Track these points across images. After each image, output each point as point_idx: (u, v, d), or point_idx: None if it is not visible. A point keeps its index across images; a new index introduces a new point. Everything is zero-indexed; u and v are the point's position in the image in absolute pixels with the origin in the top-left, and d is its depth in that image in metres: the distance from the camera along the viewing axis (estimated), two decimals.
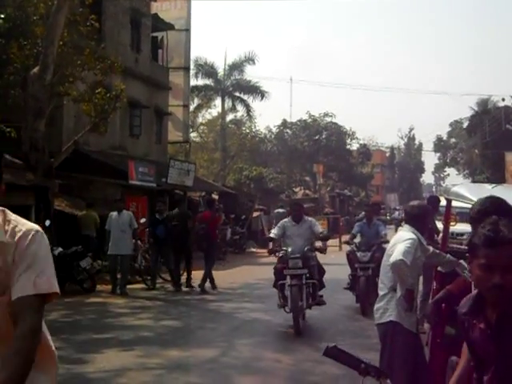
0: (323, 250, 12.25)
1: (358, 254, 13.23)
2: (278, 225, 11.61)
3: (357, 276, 13.10)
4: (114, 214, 16.03)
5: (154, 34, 30.75)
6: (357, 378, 6.89)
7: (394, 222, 50.55)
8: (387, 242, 12.63)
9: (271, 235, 11.64)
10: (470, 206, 5.31)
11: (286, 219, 11.84)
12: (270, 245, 12.75)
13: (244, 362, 8.97)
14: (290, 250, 10.95)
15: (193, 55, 39.08)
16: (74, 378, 7.80)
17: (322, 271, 11.66)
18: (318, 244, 12.26)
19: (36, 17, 18.87)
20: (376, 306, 6.08)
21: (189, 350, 9.55)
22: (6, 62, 19.38)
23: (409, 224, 6.10)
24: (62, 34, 18.00)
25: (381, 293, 6.04)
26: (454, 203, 6.91)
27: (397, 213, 56.26)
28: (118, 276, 16.00)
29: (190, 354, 9.33)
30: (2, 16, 20.84)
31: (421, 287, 8.74)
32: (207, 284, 16.39)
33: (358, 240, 13.95)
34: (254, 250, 31.47)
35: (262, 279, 18.98)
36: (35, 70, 17.67)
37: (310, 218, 11.89)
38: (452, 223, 11.99)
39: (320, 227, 12.22)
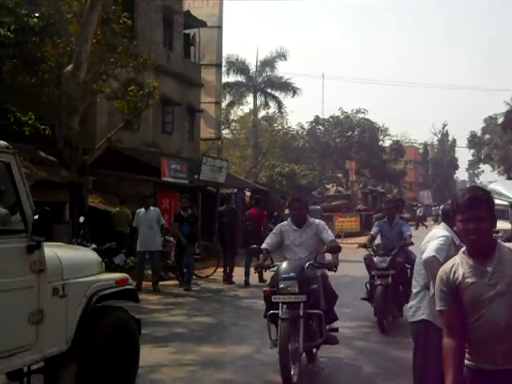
0: (332, 267, 8.30)
1: (375, 259, 11.19)
2: (274, 230, 8.64)
3: (374, 285, 11.11)
4: (142, 210, 15.90)
5: (187, 31, 30.81)
6: (391, 377, 6.74)
7: (418, 219, 49.98)
8: (411, 244, 11.75)
9: (263, 245, 8.42)
10: (505, 203, 5.27)
11: (284, 222, 8.79)
12: (261, 258, 8.59)
13: (278, 359, 8.90)
14: (283, 266, 7.87)
15: (225, 52, 39.14)
16: None
17: (332, 297, 8.46)
18: (328, 257, 8.65)
19: (70, 15, 19.01)
20: (409, 303, 6.03)
21: (223, 347, 9.54)
22: (40, 60, 19.58)
23: (444, 222, 6.04)
24: (95, 31, 18.13)
25: (414, 290, 6.00)
26: None
27: (419, 210, 54.49)
28: (149, 272, 16.05)
29: (223, 350, 9.31)
30: (37, 14, 21.08)
31: None
32: (237, 278, 16.76)
33: (378, 242, 11.94)
34: None
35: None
36: (69, 67, 17.82)
37: (317, 221, 8.64)
38: None
39: (330, 232, 8.52)
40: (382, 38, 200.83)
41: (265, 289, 8.00)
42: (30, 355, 5.51)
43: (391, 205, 12.21)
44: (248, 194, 32.46)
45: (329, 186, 54.44)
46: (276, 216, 32.56)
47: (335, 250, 8.15)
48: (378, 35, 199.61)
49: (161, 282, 16.83)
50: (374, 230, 11.89)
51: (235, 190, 30.07)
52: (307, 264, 7.80)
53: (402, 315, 10.99)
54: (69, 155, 17.79)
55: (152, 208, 16.09)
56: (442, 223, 6.07)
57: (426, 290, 5.79)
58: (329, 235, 8.30)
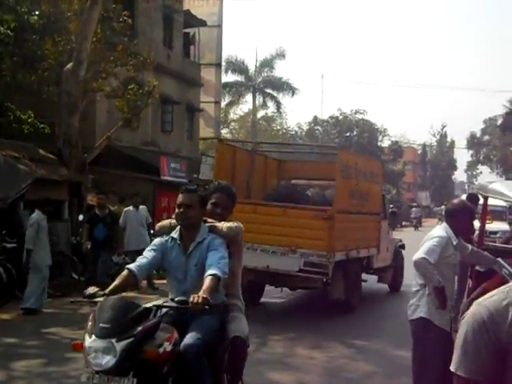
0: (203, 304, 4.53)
1: None
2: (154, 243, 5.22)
3: None
4: (131, 209, 15.43)
5: (186, 31, 30.82)
6: (390, 376, 6.80)
7: (414, 220, 49.94)
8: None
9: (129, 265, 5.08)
10: (504, 204, 5.30)
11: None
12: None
13: (277, 358, 8.93)
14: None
15: (224, 52, 39.15)
16: None
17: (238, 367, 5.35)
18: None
19: (70, 13, 19.03)
20: (409, 302, 6.05)
21: None
22: (40, 58, 19.59)
23: (446, 222, 6.07)
24: (95, 30, 18.13)
25: (413, 289, 6.04)
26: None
27: (414, 211, 53.89)
28: None
29: None
30: (37, 12, 21.08)
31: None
32: None
33: None
34: None
35: None
36: (69, 66, 17.82)
37: (210, 234, 5.03)
38: (488, 221, 11.04)
39: (224, 250, 4.92)
40: (381, 39, 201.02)
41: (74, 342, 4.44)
42: None
43: None
44: None
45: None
46: None
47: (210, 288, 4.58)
48: (378, 36, 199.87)
49: (159, 281, 16.84)
50: None
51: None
52: (151, 304, 4.71)
53: None
54: (68, 153, 17.79)
55: (141, 206, 15.75)
56: (444, 223, 6.10)
57: (425, 289, 5.83)
58: (219, 254, 4.87)
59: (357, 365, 8.80)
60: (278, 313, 12.75)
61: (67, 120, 17.69)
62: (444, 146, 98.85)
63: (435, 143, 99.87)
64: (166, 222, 5.40)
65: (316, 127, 59.87)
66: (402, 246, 15.96)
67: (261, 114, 53.39)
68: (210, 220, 5.21)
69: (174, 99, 27.92)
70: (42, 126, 20.30)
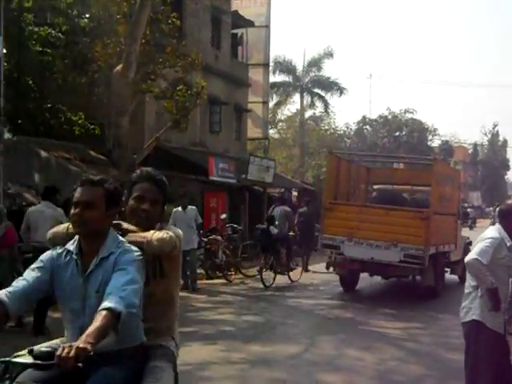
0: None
1: None
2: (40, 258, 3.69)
3: None
4: (179, 209, 15.65)
5: (234, 31, 30.89)
6: (441, 379, 6.67)
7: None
8: None
9: None
10: None
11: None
12: None
13: (327, 360, 8.86)
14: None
15: (272, 52, 39.12)
16: None
17: None
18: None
19: (119, 16, 19.22)
20: (462, 304, 5.93)
21: (271, 346, 9.50)
22: (90, 60, 19.90)
23: (499, 223, 5.93)
24: (144, 32, 18.27)
25: (466, 291, 5.93)
26: None
27: (470, 210, 52.90)
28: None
29: (272, 349, 9.28)
30: (87, 16, 21.41)
31: None
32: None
33: None
34: None
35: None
36: (118, 67, 17.99)
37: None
38: None
39: (135, 271, 3.38)
40: (432, 38, 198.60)
41: None
42: None
43: None
44: (295, 193, 32.37)
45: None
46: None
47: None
48: (426, 34, 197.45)
49: (208, 281, 16.92)
50: None
51: (282, 190, 30.01)
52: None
53: None
54: (118, 154, 17.96)
55: (189, 207, 15.87)
56: (497, 224, 5.96)
57: (477, 291, 5.71)
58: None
59: (408, 367, 8.66)
60: (328, 315, 12.67)
61: (117, 121, 17.86)
62: (496, 146, 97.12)
63: (486, 142, 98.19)
64: (61, 228, 3.77)
65: (365, 127, 59.43)
66: (470, 243, 16.92)
67: (308, 113, 53.26)
68: (126, 226, 3.68)
69: (222, 100, 28.01)
70: (92, 127, 20.64)
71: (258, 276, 17.77)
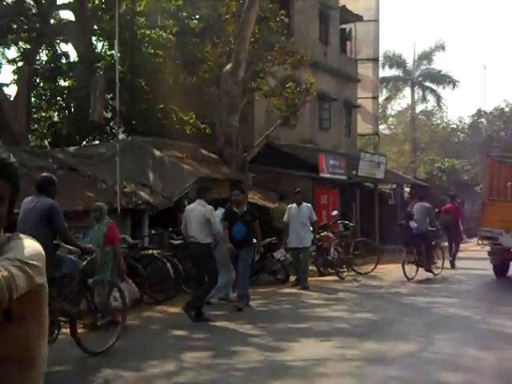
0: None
1: None
2: None
3: None
4: (294, 206, 15.49)
5: (343, 26, 30.64)
6: None
7: None
8: None
9: None
10: None
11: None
12: None
13: (444, 358, 8.55)
14: None
15: (381, 46, 38.55)
16: (274, 365, 7.87)
17: None
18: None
19: (228, 15, 19.46)
20: None
21: (386, 343, 9.28)
22: (200, 60, 20.24)
23: None
24: (252, 30, 18.40)
25: None
26: None
27: None
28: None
29: (387, 347, 9.05)
30: (197, 17, 21.78)
31: None
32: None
33: None
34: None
35: (458, 274, 18.30)
36: (228, 67, 18.21)
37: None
38: None
39: None
40: None
41: None
42: None
43: None
44: (407, 189, 31.73)
45: None
46: (437, 212, 31.63)
47: None
48: None
49: (320, 278, 16.81)
50: None
51: (394, 186, 29.50)
52: None
53: None
54: (229, 152, 18.18)
55: (304, 204, 15.63)
56: None
57: None
58: None
59: None
60: (444, 313, 12.29)
61: (227, 120, 18.08)
62: None
63: None
64: None
65: (480, 120, 57.56)
66: None
67: (420, 108, 52.21)
68: None
69: (331, 96, 27.85)
70: (202, 126, 20.97)
71: (371, 273, 17.57)
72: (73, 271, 8.15)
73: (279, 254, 15.53)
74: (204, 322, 10.47)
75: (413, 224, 16.90)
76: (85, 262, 8.37)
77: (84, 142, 20.70)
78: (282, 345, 8.94)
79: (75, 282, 8.22)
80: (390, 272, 17.75)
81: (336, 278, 16.81)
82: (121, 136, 18.70)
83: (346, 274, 17.35)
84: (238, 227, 12.25)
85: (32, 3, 20.49)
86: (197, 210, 11.08)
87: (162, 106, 20.65)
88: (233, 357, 8.31)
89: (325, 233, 17.57)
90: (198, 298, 10.77)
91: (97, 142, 20.91)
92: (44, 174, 8.84)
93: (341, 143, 29.35)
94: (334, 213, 19.94)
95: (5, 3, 19.01)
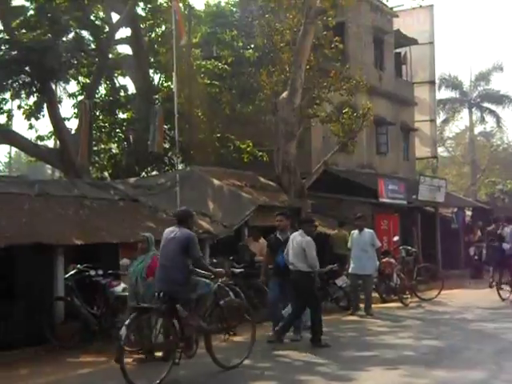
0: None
1: None
2: None
3: None
4: (356, 232, 15.40)
5: (398, 50, 30.51)
6: None
7: None
8: None
9: None
10: None
11: None
12: None
13: None
14: None
15: (437, 68, 38.19)
16: None
17: None
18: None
19: (282, 44, 19.58)
20: None
21: (456, 371, 9.03)
22: (256, 89, 20.42)
23: None
24: (308, 58, 18.46)
25: None
26: None
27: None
28: (362, 297, 15.53)
29: (457, 375, 8.81)
30: (252, 46, 22.01)
31: None
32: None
33: None
34: None
35: None
36: (284, 94, 18.27)
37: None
38: None
39: None
40: None
41: None
42: None
43: None
44: (468, 213, 31.11)
45: None
46: (499, 234, 30.90)
47: None
48: None
49: (383, 305, 16.54)
50: None
51: (455, 209, 28.97)
52: None
53: None
54: (287, 180, 18.15)
55: (366, 230, 15.44)
56: None
57: None
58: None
59: None
60: (510, 340, 11.92)
61: (285, 147, 18.09)
62: None
63: None
64: None
65: None
66: None
67: (478, 129, 51.43)
68: None
69: (388, 120, 27.66)
70: (260, 154, 21.06)
71: (436, 299, 17.22)
72: (207, 293, 8.84)
73: (341, 281, 15.37)
74: (269, 352, 10.42)
75: (506, 246, 17.35)
76: (216, 285, 9.13)
77: (143, 173, 20.99)
78: (349, 373, 8.78)
79: (209, 302, 8.99)
80: (455, 297, 17.37)
81: (399, 304, 16.52)
82: (179, 166, 18.89)
83: (409, 300, 17.04)
84: (282, 255, 11.52)
85: (91, 38, 20.99)
86: (296, 240, 11.36)
87: (219, 135, 20.84)
88: None
89: (387, 259, 17.33)
90: (315, 323, 11.11)
91: (156, 173, 21.17)
92: (183, 207, 10.23)
93: (399, 167, 29.06)
94: (396, 238, 19.70)
95: (65, 39, 19.51)
